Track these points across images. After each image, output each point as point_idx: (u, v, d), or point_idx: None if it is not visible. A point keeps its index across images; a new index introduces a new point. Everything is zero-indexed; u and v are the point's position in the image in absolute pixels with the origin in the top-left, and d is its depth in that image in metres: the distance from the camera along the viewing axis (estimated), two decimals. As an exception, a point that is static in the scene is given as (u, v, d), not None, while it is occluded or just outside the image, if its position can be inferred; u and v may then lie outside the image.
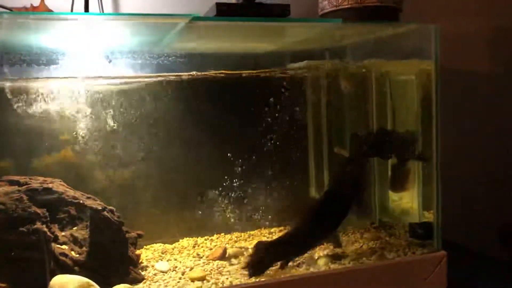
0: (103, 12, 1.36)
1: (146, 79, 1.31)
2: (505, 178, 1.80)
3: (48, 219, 1.09)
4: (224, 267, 1.21)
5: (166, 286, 1.11)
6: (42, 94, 1.23)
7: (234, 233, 1.44)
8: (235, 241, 1.40)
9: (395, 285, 1.20)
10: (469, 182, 1.73)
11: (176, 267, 1.21)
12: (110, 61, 1.22)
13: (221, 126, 1.41)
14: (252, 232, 1.45)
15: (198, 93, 1.37)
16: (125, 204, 1.30)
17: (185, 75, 1.30)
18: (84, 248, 1.12)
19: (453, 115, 1.50)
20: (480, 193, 1.77)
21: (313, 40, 1.37)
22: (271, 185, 1.43)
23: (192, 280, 1.13)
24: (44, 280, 1.03)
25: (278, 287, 1.11)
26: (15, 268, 1.04)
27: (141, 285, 1.12)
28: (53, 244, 1.08)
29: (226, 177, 1.37)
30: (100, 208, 1.13)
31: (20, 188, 1.08)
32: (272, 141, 1.41)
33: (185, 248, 1.36)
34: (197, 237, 1.42)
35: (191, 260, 1.26)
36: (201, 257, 1.28)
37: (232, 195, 1.38)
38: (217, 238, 1.43)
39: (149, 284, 1.12)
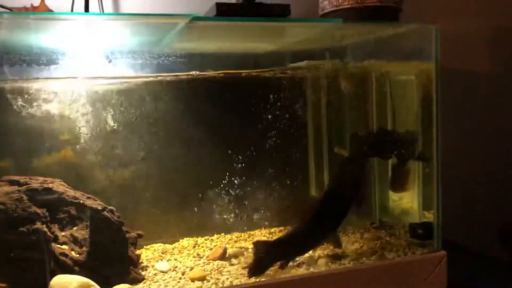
0: (103, 12, 1.36)
1: (146, 79, 1.31)
2: (505, 178, 1.80)
3: (48, 219, 1.09)
4: (224, 267, 1.21)
5: (166, 286, 1.11)
6: (42, 94, 1.23)
7: (234, 233, 1.44)
8: (235, 241, 1.40)
9: (395, 285, 1.20)
10: (469, 182, 1.73)
11: (176, 267, 1.21)
12: (110, 61, 1.22)
13: (221, 126, 1.41)
14: (252, 232, 1.45)
15: (198, 93, 1.37)
16: (125, 204, 1.30)
17: (184, 75, 1.30)
18: (84, 248, 1.12)
19: (453, 115, 1.50)
20: (480, 193, 1.77)
21: (314, 40, 1.37)
22: (271, 185, 1.43)
23: (192, 280, 1.13)
24: (44, 280, 1.03)
25: (278, 287, 1.11)
26: (15, 268, 1.04)
27: (141, 285, 1.12)
28: (53, 244, 1.08)
29: (226, 177, 1.37)
30: (100, 208, 1.13)
31: (20, 188, 1.08)
32: (272, 141, 1.41)
33: (185, 248, 1.36)
34: (197, 237, 1.42)
35: (191, 260, 1.26)
36: (201, 257, 1.28)
37: (232, 195, 1.38)
38: (217, 238, 1.43)
39: (149, 284, 1.12)
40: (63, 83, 1.24)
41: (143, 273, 1.17)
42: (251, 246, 1.19)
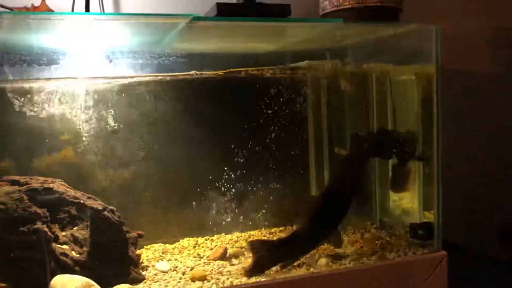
0: (103, 12, 1.36)
1: (146, 79, 1.31)
2: (505, 178, 1.80)
3: (49, 219, 1.09)
4: (224, 267, 1.21)
5: (166, 286, 1.11)
6: (42, 94, 1.22)
7: (235, 233, 1.44)
8: (236, 241, 1.40)
9: (395, 286, 1.20)
10: (469, 182, 1.73)
11: (176, 267, 1.21)
12: (110, 61, 1.22)
13: (221, 126, 1.41)
14: (252, 232, 1.45)
15: (198, 92, 1.37)
16: (126, 204, 1.30)
17: (183, 74, 1.30)
18: (84, 248, 1.12)
19: (453, 115, 1.50)
20: (480, 193, 1.76)
21: (314, 40, 1.37)
22: (272, 185, 1.43)
23: (193, 280, 1.13)
24: (44, 280, 1.03)
25: (278, 287, 1.11)
26: (15, 268, 1.04)
27: (141, 285, 1.12)
28: (53, 244, 1.08)
29: (227, 177, 1.37)
30: (101, 208, 1.13)
31: (20, 188, 1.09)
32: (273, 141, 1.41)
33: (186, 248, 1.36)
34: (198, 237, 1.42)
35: (191, 260, 1.26)
36: (202, 257, 1.28)
37: (233, 195, 1.38)
38: (218, 238, 1.43)
39: (150, 284, 1.12)
40: (63, 83, 1.24)
41: (143, 273, 1.17)
42: (247, 245, 1.19)
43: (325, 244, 1.30)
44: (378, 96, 1.47)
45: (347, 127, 1.53)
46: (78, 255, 1.11)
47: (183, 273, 1.17)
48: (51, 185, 1.14)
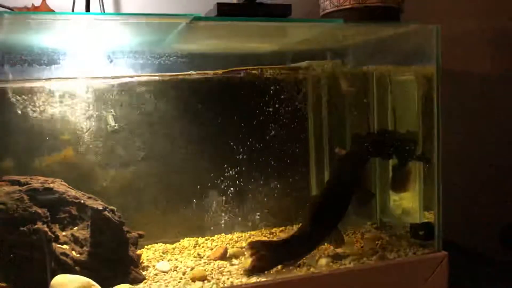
0: (104, 12, 1.36)
1: (145, 78, 1.31)
2: (506, 179, 1.80)
3: (49, 219, 1.09)
4: (225, 267, 1.21)
5: (167, 286, 1.11)
6: (43, 94, 1.23)
7: (235, 233, 1.44)
8: (236, 241, 1.40)
9: (396, 286, 1.20)
10: (470, 183, 1.73)
11: (177, 267, 1.21)
12: (111, 61, 1.22)
13: (223, 126, 1.40)
14: (253, 232, 1.45)
15: (198, 92, 1.37)
16: (126, 204, 1.30)
17: (182, 74, 1.30)
18: (85, 248, 1.12)
19: (454, 115, 1.50)
20: (481, 194, 1.76)
21: (315, 41, 1.36)
22: (273, 185, 1.43)
23: (193, 280, 1.13)
24: (45, 280, 1.03)
25: (278, 287, 1.11)
26: (15, 268, 1.04)
27: (142, 285, 1.12)
28: (54, 244, 1.08)
29: (227, 177, 1.37)
30: (101, 208, 1.13)
31: (21, 188, 1.09)
32: (273, 142, 1.41)
33: (186, 248, 1.36)
34: (198, 237, 1.42)
35: (192, 260, 1.26)
36: (202, 257, 1.28)
37: (233, 195, 1.38)
38: (218, 238, 1.43)
39: (150, 284, 1.12)
40: (64, 83, 1.24)
41: (144, 273, 1.17)
42: (246, 246, 1.19)
43: (326, 244, 1.30)
44: (379, 96, 1.47)
45: (347, 127, 1.53)
46: (78, 255, 1.11)
47: (184, 273, 1.17)
48: (51, 185, 1.14)
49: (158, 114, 1.35)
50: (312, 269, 1.18)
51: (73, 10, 1.30)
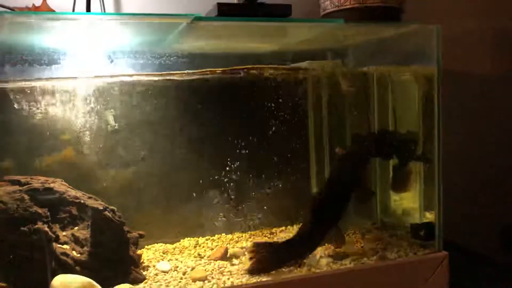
0: (104, 12, 1.36)
1: (145, 78, 1.30)
2: (506, 179, 1.80)
3: (50, 219, 1.09)
4: (225, 267, 1.21)
5: (167, 286, 1.11)
6: (43, 94, 1.22)
7: (235, 233, 1.44)
8: (236, 241, 1.40)
9: (396, 286, 1.20)
10: (470, 183, 1.73)
11: (177, 267, 1.21)
12: (112, 61, 1.22)
13: (223, 126, 1.40)
14: (253, 232, 1.45)
15: (198, 92, 1.37)
16: (127, 204, 1.30)
17: (178, 73, 1.30)
18: (85, 248, 1.12)
19: (454, 115, 1.50)
20: (481, 194, 1.76)
21: (315, 41, 1.36)
22: (273, 185, 1.43)
23: (194, 280, 1.13)
24: (45, 280, 1.03)
25: (279, 287, 1.11)
26: (16, 268, 1.04)
27: (142, 285, 1.12)
28: (54, 244, 1.08)
29: (228, 177, 1.37)
30: (102, 208, 1.13)
31: (21, 188, 1.09)
32: (274, 142, 1.41)
33: (186, 248, 1.36)
34: (198, 237, 1.42)
35: (192, 260, 1.26)
36: (202, 257, 1.28)
37: (234, 195, 1.38)
38: (218, 238, 1.43)
39: (151, 284, 1.12)
40: (64, 83, 1.24)
41: (144, 273, 1.17)
42: (252, 246, 1.19)
43: (326, 244, 1.30)
44: (379, 96, 1.47)
45: (348, 127, 1.53)
46: (79, 255, 1.11)
47: (184, 273, 1.17)
48: (52, 185, 1.14)
49: (159, 114, 1.35)
50: (312, 269, 1.18)
51: (73, 10, 1.30)
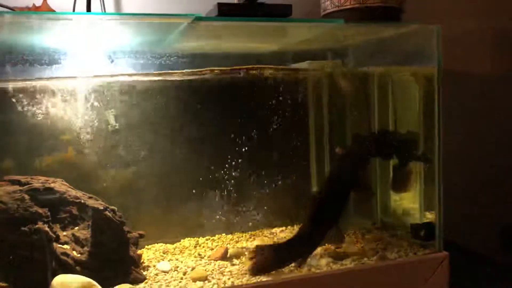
0: (105, 12, 1.36)
1: (144, 78, 1.31)
2: (506, 179, 1.80)
3: (50, 218, 1.09)
4: (225, 267, 1.21)
5: (167, 286, 1.11)
6: (43, 94, 1.22)
7: (236, 233, 1.44)
8: (237, 241, 1.40)
9: (396, 286, 1.20)
10: (470, 183, 1.73)
11: (177, 267, 1.21)
12: (112, 61, 1.22)
13: (224, 126, 1.40)
14: (253, 232, 1.45)
15: (198, 92, 1.37)
16: (127, 203, 1.30)
17: (177, 73, 1.30)
18: (85, 248, 1.12)
19: (454, 115, 1.50)
20: (481, 194, 1.77)
21: (315, 41, 1.37)
22: (273, 185, 1.43)
23: (194, 280, 1.13)
24: (45, 280, 1.03)
25: (279, 287, 1.11)
26: (16, 268, 1.04)
27: (142, 285, 1.12)
28: (54, 244, 1.08)
29: (227, 176, 1.37)
30: (102, 208, 1.13)
31: (21, 188, 1.09)
32: (275, 141, 1.41)
33: (187, 248, 1.36)
34: (199, 237, 1.42)
35: (192, 260, 1.26)
36: (203, 257, 1.28)
37: (234, 195, 1.38)
38: (219, 238, 1.43)
39: (151, 284, 1.12)
40: (64, 83, 1.24)
41: (144, 273, 1.17)
42: (254, 248, 1.20)
43: (326, 244, 1.30)
44: (379, 96, 1.47)
45: (348, 127, 1.53)
46: (79, 255, 1.11)
47: (184, 273, 1.17)
48: (52, 185, 1.14)
49: (159, 114, 1.35)
50: (312, 269, 1.18)
51: (74, 10, 1.30)
